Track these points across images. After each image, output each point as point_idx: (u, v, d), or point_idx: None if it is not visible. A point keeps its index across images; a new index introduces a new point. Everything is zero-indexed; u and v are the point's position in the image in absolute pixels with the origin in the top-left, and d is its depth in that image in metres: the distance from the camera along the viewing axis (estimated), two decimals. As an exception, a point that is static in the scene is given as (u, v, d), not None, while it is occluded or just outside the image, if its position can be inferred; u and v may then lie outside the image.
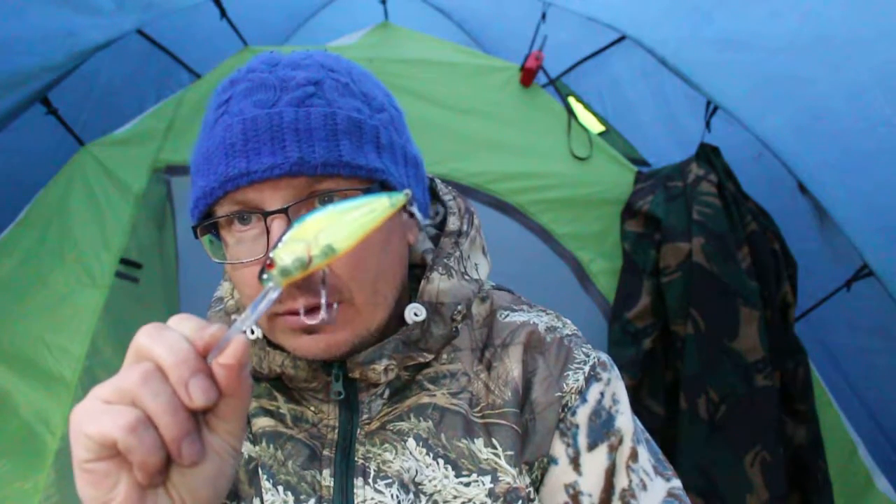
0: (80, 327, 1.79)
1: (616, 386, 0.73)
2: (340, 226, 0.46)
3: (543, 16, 2.53)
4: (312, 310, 0.61)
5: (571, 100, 2.72)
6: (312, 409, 0.72)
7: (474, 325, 0.76)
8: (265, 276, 0.46)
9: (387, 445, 0.68)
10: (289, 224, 0.54)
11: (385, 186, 0.64)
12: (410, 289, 0.75)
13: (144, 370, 0.43)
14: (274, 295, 0.46)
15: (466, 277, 0.74)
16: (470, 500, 0.66)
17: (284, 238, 0.46)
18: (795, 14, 1.79)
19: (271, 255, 0.46)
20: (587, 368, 0.72)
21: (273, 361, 0.70)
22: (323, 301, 0.58)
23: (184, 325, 0.45)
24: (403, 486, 0.66)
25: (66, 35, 1.80)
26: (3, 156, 2.05)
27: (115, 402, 0.43)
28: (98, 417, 0.42)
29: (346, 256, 0.62)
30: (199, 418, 0.45)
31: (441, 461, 0.67)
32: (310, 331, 0.63)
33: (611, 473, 0.69)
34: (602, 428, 0.70)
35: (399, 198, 0.47)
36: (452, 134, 2.12)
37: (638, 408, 1.97)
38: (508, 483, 0.67)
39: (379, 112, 0.67)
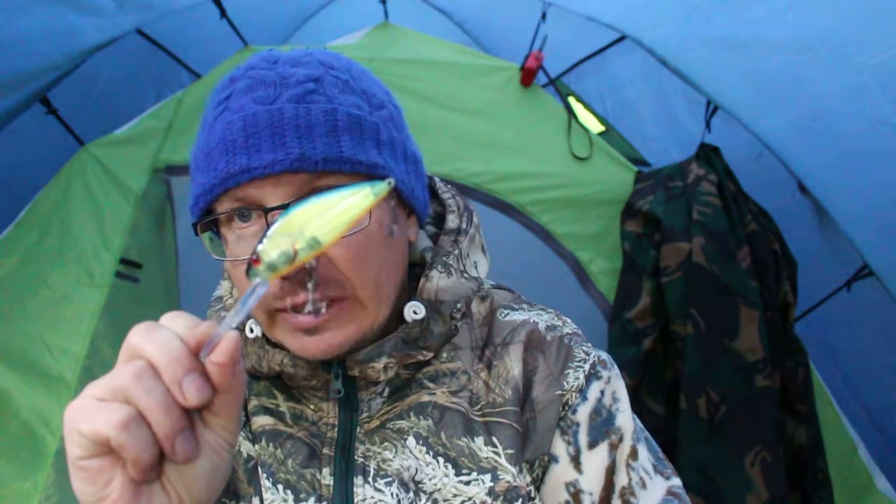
0: (80, 327, 1.79)
1: (616, 384, 0.73)
2: (324, 218, 0.46)
3: (543, 16, 2.54)
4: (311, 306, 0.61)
5: (571, 100, 2.73)
6: (312, 407, 0.71)
7: (474, 324, 0.76)
8: (252, 272, 0.46)
9: (387, 444, 0.68)
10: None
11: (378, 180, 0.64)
12: (410, 287, 0.75)
13: (137, 368, 0.43)
14: (262, 290, 0.46)
15: (466, 276, 0.74)
16: (470, 499, 0.66)
17: (269, 232, 0.46)
18: (795, 14, 1.79)
19: (257, 250, 0.46)
20: (587, 367, 0.72)
21: (272, 360, 0.70)
22: (311, 295, 0.58)
23: (176, 323, 0.45)
24: (403, 485, 0.66)
25: (66, 35, 1.80)
26: (3, 156, 2.05)
27: (109, 399, 0.43)
28: (91, 415, 0.42)
29: (349, 251, 0.62)
30: (192, 414, 0.45)
31: (441, 460, 0.67)
32: (311, 331, 0.63)
33: (611, 472, 0.69)
34: (602, 426, 0.70)
35: (382, 186, 0.47)
36: (452, 134, 2.12)
37: (638, 408, 1.97)
38: (508, 481, 0.67)
39: (379, 109, 0.67)
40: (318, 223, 0.46)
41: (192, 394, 0.43)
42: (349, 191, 0.47)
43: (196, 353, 0.44)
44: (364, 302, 0.64)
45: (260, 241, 0.46)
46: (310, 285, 0.59)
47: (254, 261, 0.46)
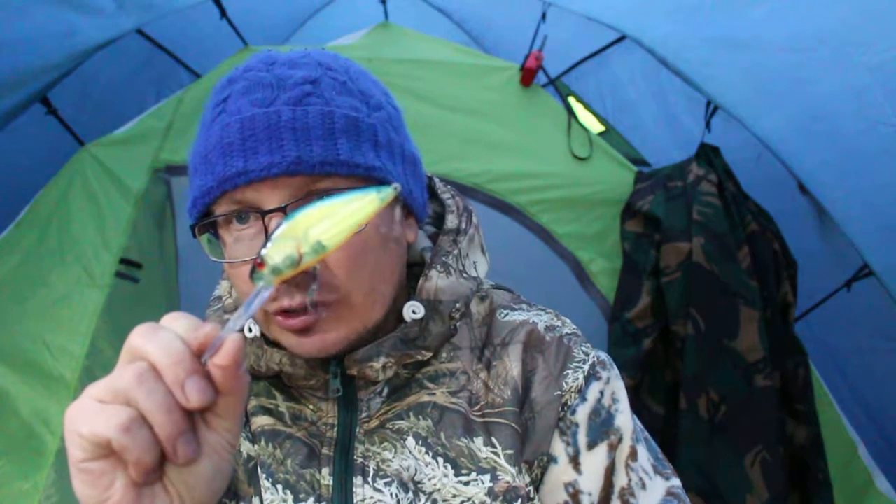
0: (80, 327, 1.79)
1: (615, 385, 0.73)
2: (329, 222, 0.46)
3: (543, 16, 2.53)
4: (299, 310, 0.61)
5: (571, 100, 2.72)
6: (311, 407, 0.72)
7: (474, 324, 0.76)
8: (256, 276, 0.46)
9: (386, 444, 0.68)
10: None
11: (383, 185, 0.64)
12: (409, 287, 0.75)
13: (139, 369, 0.43)
14: (266, 294, 0.46)
15: (465, 275, 0.74)
16: (469, 499, 0.66)
17: (274, 236, 0.46)
18: (795, 14, 1.79)
19: (261, 253, 0.46)
20: (587, 367, 0.72)
21: (271, 359, 0.70)
22: (312, 299, 0.58)
23: (177, 325, 0.45)
24: (403, 485, 0.66)
25: (66, 35, 1.80)
26: (3, 156, 2.05)
27: (109, 401, 0.43)
28: (92, 417, 0.42)
29: (344, 254, 0.62)
30: (194, 416, 0.45)
31: (440, 460, 0.67)
32: (304, 331, 0.64)
33: (610, 472, 0.69)
34: (601, 427, 0.70)
35: (388, 191, 0.47)
36: (452, 134, 2.12)
37: (638, 408, 1.97)
38: (508, 482, 0.67)
39: (377, 110, 0.67)
40: (322, 227, 0.46)
41: (194, 396, 0.43)
42: (354, 195, 0.47)
43: (198, 354, 0.44)
44: (356, 305, 0.64)
45: (264, 245, 0.46)
46: (314, 286, 0.59)
47: (258, 264, 0.46)
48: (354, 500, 0.66)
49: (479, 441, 0.68)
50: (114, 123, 2.11)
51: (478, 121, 2.16)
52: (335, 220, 0.46)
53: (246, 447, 0.71)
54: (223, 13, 2.36)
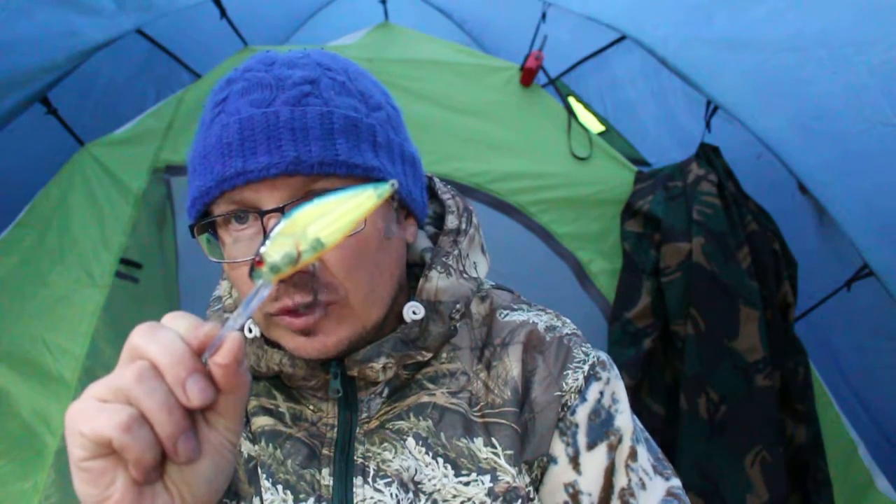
0: (80, 327, 1.79)
1: (615, 385, 0.73)
2: (327, 219, 0.46)
3: (543, 16, 2.54)
4: (304, 309, 0.61)
5: (571, 100, 2.73)
6: (311, 407, 0.72)
7: (474, 324, 0.76)
8: (255, 274, 0.46)
9: (386, 444, 0.68)
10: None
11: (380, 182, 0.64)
12: (409, 287, 0.75)
13: (139, 369, 0.43)
14: (265, 292, 0.46)
15: (465, 276, 0.74)
16: (469, 500, 0.66)
17: (272, 234, 0.46)
18: (795, 14, 1.79)
19: (260, 251, 0.46)
20: (586, 367, 0.72)
21: (271, 360, 0.70)
22: (314, 297, 0.58)
23: (178, 324, 0.45)
24: (403, 486, 0.66)
25: (67, 35, 1.80)
26: (3, 156, 2.05)
27: (110, 400, 0.43)
28: (93, 416, 0.42)
29: (343, 255, 0.62)
30: (195, 415, 0.45)
31: (440, 460, 0.67)
32: (306, 331, 0.64)
33: (610, 472, 0.69)
34: (601, 427, 0.70)
35: (385, 188, 0.47)
36: (452, 134, 2.12)
37: (638, 408, 1.97)
38: (508, 482, 0.67)
39: (376, 110, 0.67)
40: (320, 224, 0.46)
41: (195, 395, 0.43)
42: (352, 192, 0.47)
43: (199, 353, 0.44)
44: (356, 306, 0.64)
45: (263, 243, 0.46)
46: (315, 286, 0.59)
47: (257, 262, 0.46)
48: (355, 501, 0.66)
49: (479, 441, 0.68)
50: (114, 123, 2.11)
51: (478, 121, 2.16)
52: (333, 217, 0.46)
53: (246, 447, 0.71)
54: (223, 13, 2.36)
